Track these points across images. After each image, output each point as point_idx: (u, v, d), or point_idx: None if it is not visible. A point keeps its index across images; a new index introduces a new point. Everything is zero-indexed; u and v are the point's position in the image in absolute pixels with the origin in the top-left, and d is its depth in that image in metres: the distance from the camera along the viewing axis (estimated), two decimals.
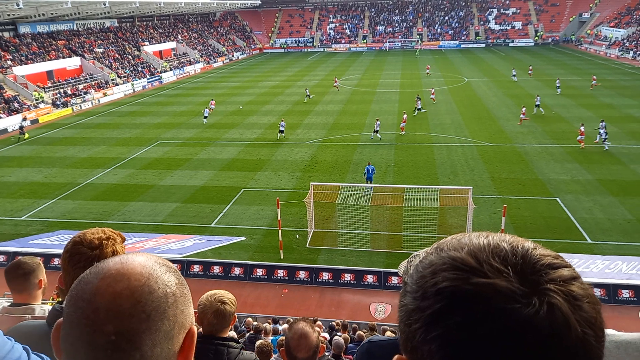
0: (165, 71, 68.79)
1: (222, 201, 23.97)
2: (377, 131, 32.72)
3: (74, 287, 0.93)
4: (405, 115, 34.81)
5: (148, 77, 64.43)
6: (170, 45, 79.40)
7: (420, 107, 39.87)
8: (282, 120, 35.30)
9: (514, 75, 54.60)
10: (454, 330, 0.69)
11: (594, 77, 49.56)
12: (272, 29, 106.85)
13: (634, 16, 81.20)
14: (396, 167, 27.87)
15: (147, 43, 74.60)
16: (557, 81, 46.95)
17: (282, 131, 34.01)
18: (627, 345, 0.94)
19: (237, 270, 17.89)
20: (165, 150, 32.89)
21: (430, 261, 0.77)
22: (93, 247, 2.02)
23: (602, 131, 29.41)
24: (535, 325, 0.66)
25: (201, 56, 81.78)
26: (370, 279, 17.14)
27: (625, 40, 74.65)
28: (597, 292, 15.90)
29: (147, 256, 0.98)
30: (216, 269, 18.04)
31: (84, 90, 53.89)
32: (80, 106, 49.98)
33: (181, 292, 0.96)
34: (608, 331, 0.98)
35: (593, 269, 17.25)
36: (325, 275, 17.45)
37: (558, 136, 31.65)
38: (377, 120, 33.80)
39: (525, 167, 26.91)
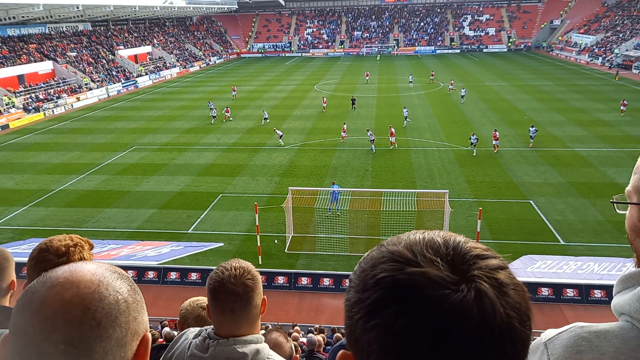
0: (140, 75, 67.89)
1: (199, 207, 23.72)
2: (372, 141, 31.13)
3: (20, 297, 0.91)
4: (392, 129, 32.18)
5: (123, 81, 63.47)
6: (145, 49, 78.42)
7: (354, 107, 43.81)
8: (275, 130, 34.54)
9: (410, 82, 56.66)
10: (391, 317, 0.73)
11: (452, 81, 53.16)
12: (250, 33, 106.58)
13: (602, 23, 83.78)
14: (374, 171, 28.05)
15: (121, 47, 73.51)
16: (463, 90, 47.55)
17: (280, 136, 33.69)
18: (607, 333, 0.98)
19: None
20: (141, 156, 32.41)
21: (371, 256, 0.83)
22: (60, 255, 1.95)
23: (530, 133, 31.05)
24: (464, 309, 0.71)
25: (177, 60, 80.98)
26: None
27: (594, 47, 76.90)
28: (570, 292, 16.28)
29: (98, 264, 0.97)
30: (194, 276, 17.82)
31: (57, 94, 52.75)
32: (53, 111, 48.89)
33: (134, 299, 0.95)
34: (583, 323, 1.03)
35: (566, 269, 17.65)
36: (304, 280, 17.42)
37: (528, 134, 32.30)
38: (368, 130, 32.10)
39: (500, 170, 27.41)
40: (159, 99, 54.68)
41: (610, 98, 45.51)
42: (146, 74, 69.46)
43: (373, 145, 31.34)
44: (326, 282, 17.31)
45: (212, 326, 2.04)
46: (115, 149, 34.11)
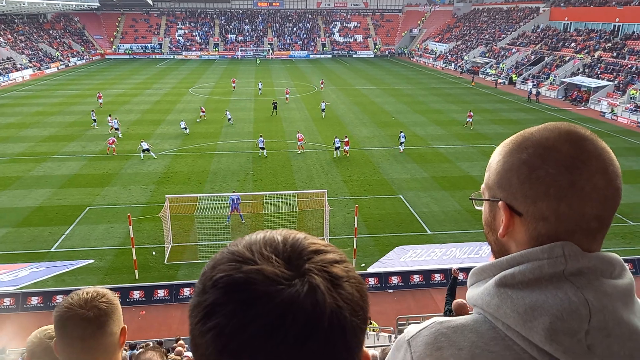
0: None
1: (63, 222, 21.61)
2: (262, 148, 30.79)
3: None
4: (299, 134, 32.25)
5: None
6: None
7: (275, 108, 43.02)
8: (141, 142, 31.36)
9: (259, 89, 54.72)
10: (226, 317, 0.73)
11: (287, 90, 50.55)
12: (115, 33, 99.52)
13: (453, 33, 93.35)
14: (255, 174, 28.03)
15: None
16: (323, 104, 43.85)
17: (145, 150, 30.29)
18: (463, 328, 1.04)
19: None
20: None
21: (214, 259, 0.82)
22: None
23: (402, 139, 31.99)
24: (295, 302, 0.72)
25: (30, 61, 72.71)
26: None
27: (447, 54, 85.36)
28: (437, 277, 17.89)
29: None
30: (59, 299, 16.17)
31: None
32: None
33: None
34: (442, 318, 1.10)
35: (433, 256, 19.40)
36: (187, 291, 16.78)
37: (398, 139, 34.81)
38: (261, 136, 31.43)
39: (373, 168, 29.14)
40: (9, 104, 48.58)
41: (463, 100, 50.92)
42: None
43: (264, 151, 30.79)
44: None
45: None
46: None
